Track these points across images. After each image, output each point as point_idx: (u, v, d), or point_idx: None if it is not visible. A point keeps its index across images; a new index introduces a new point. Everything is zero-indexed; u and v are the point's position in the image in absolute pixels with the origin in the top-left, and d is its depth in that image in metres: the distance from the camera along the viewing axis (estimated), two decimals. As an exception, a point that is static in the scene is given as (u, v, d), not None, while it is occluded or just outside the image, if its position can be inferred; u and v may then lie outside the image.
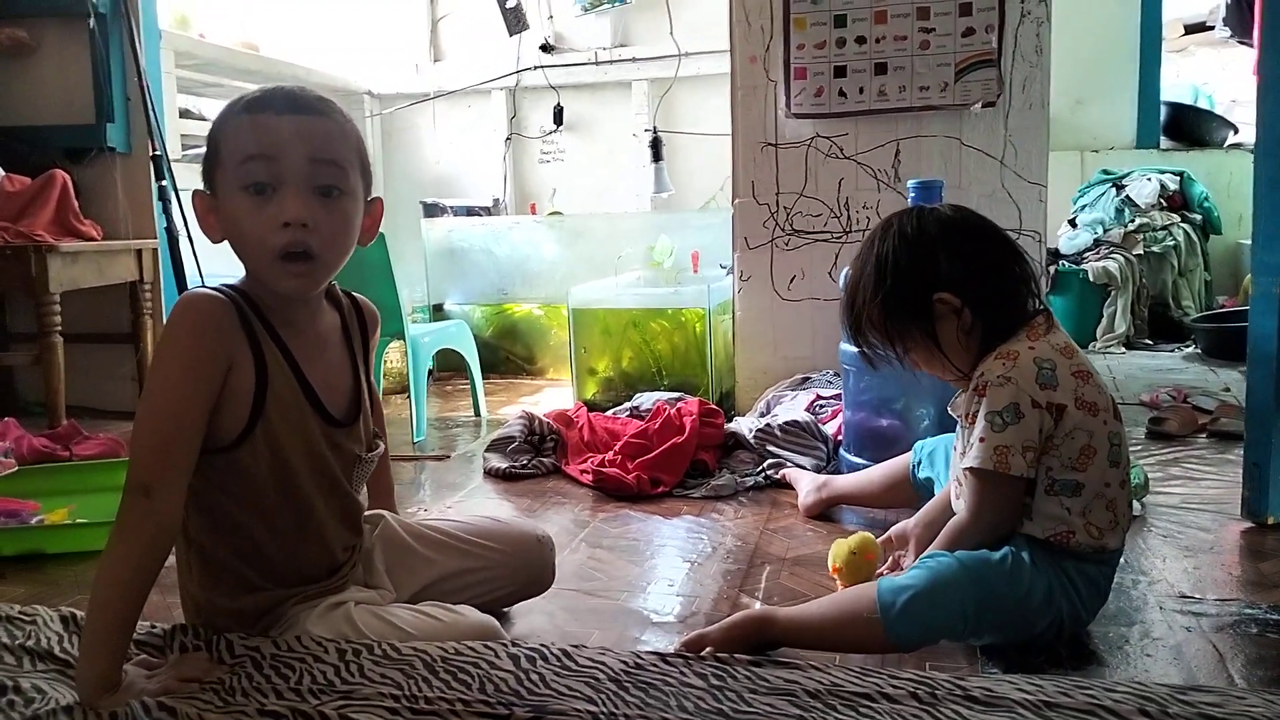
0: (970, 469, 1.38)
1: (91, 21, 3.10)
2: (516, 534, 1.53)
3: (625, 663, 1.16)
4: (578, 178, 4.79)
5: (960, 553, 1.35)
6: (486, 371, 3.68)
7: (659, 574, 1.76)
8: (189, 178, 3.20)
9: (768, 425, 2.44)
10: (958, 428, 1.51)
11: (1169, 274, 4.46)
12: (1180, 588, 1.61)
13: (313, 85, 1.25)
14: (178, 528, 1.18)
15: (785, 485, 2.24)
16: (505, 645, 1.20)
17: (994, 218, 1.54)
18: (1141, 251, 4.40)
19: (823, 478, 2.11)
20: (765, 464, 2.34)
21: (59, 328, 2.85)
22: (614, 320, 3.28)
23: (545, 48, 4.66)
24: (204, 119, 3.93)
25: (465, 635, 1.24)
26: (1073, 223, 4.65)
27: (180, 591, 1.30)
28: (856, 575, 1.61)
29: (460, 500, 2.29)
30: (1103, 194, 4.69)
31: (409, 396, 2.94)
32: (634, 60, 4.56)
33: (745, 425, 2.51)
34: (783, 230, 2.91)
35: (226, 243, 1.23)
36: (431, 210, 4.37)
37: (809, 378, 2.83)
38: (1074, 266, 4.37)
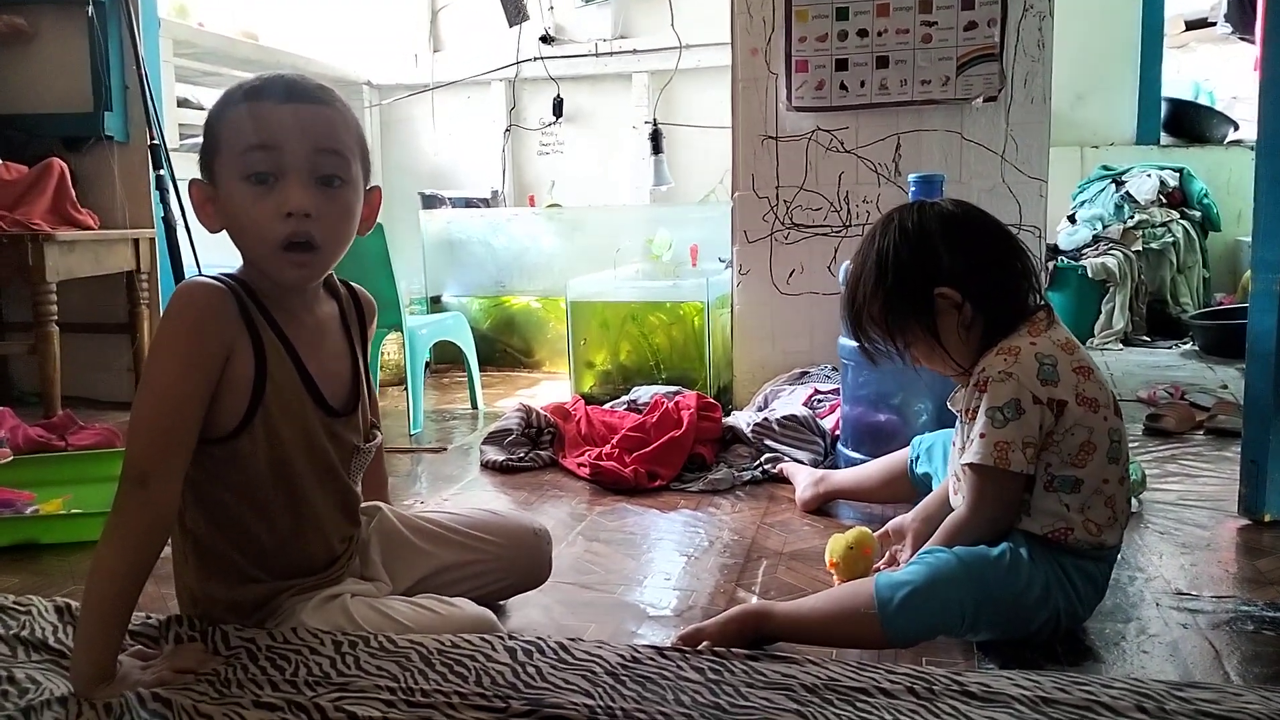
0: (970, 464, 1.38)
1: (90, 9, 3.08)
2: (513, 527, 1.53)
3: (622, 656, 1.16)
4: (577, 170, 4.78)
5: (958, 549, 1.35)
6: (484, 364, 3.68)
7: (656, 568, 1.76)
8: (187, 167, 3.19)
9: (765, 419, 2.44)
10: (957, 423, 1.51)
11: (1167, 270, 4.46)
12: (1177, 584, 1.61)
13: (311, 75, 1.25)
14: (174, 518, 1.17)
15: (783, 480, 2.24)
16: (502, 638, 1.20)
17: (994, 213, 1.53)
18: (1140, 248, 4.40)
19: (820, 472, 2.11)
20: (763, 458, 2.34)
21: (55, 317, 2.84)
22: (612, 313, 3.27)
23: (545, 39, 4.65)
24: (202, 108, 3.91)
25: (462, 628, 1.24)
26: (1072, 218, 4.65)
27: (176, 582, 1.29)
28: (853, 570, 1.61)
29: (457, 493, 2.29)
30: (1102, 190, 4.68)
31: (406, 388, 2.94)
32: (634, 52, 4.55)
33: (743, 419, 2.51)
34: (782, 224, 2.91)
35: (224, 232, 1.22)
36: (430, 202, 4.37)
37: (807, 372, 2.83)
38: (1073, 262, 4.37)
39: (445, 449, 2.69)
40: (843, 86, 2.77)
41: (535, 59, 4.66)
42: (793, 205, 2.89)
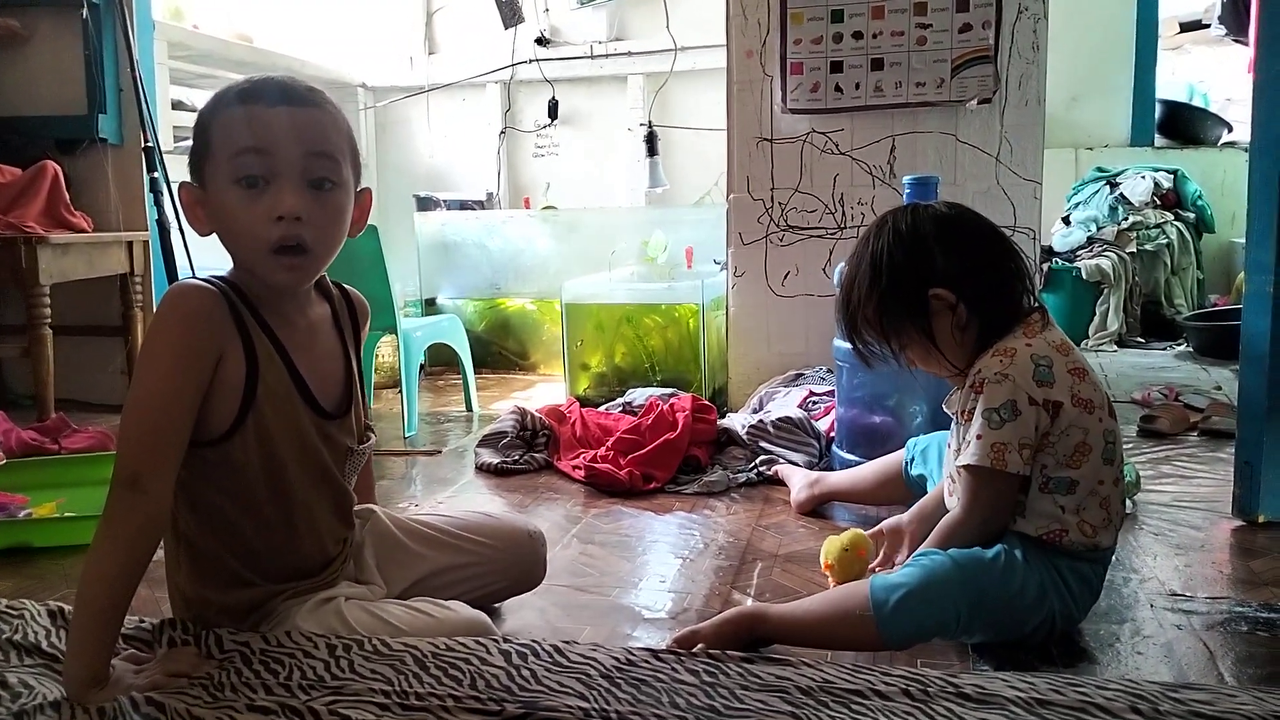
0: (966, 466, 1.38)
1: (84, 12, 3.08)
2: (508, 529, 1.53)
3: (617, 659, 1.15)
4: (572, 172, 4.78)
5: (953, 551, 1.35)
6: (478, 366, 3.68)
7: (651, 570, 1.76)
8: (181, 170, 3.17)
9: (760, 421, 2.44)
10: (953, 425, 1.51)
11: (1162, 272, 4.47)
12: (1171, 585, 1.61)
13: (306, 77, 1.25)
14: (166, 520, 1.17)
15: (778, 482, 2.24)
16: (496, 641, 1.19)
17: (989, 214, 1.53)
18: (1134, 249, 4.41)
19: (815, 474, 2.11)
20: (758, 460, 2.34)
21: (48, 320, 2.83)
22: (607, 315, 3.27)
23: (540, 41, 4.65)
24: (196, 111, 3.90)
25: (456, 631, 1.23)
26: (1066, 220, 4.66)
27: (168, 586, 1.28)
28: (848, 572, 1.61)
29: (451, 495, 2.28)
30: (1097, 192, 4.69)
31: (400, 391, 2.93)
32: (629, 54, 4.55)
33: (738, 421, 2.51)
34: (777, 226, 2.91)
35: (214, 235, 1.22)
36: (425, 204, 4.36)
37: (802, 374, 2.83)
38: (1067, 264, 4.38)
39: (440, 452, 2.69)
40: (838, 89, 2.78)
41: (530, 61, 4.66)
42: (788, 207, 2.89)
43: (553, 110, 4.69)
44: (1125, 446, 1.51)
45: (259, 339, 1.20)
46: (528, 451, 2.52)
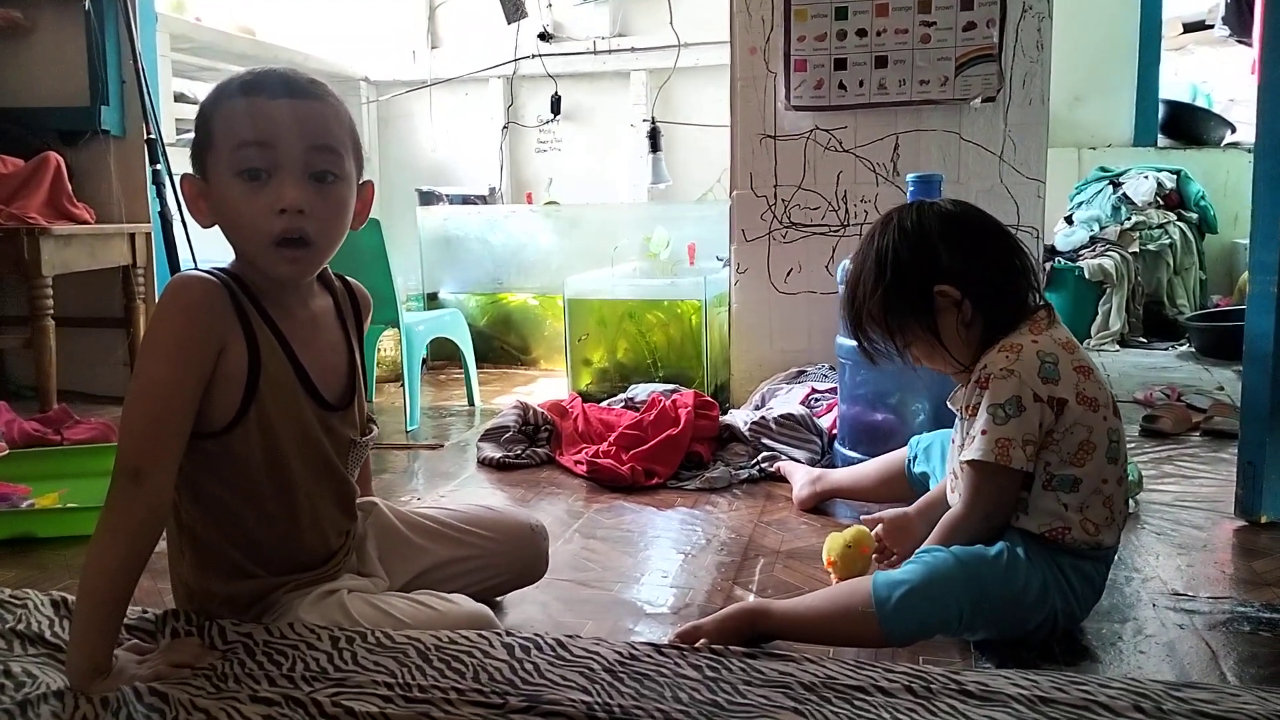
0: (970, 461, 1.38)
1: (87, 3, 3.08)
2: (510, 522, 1.53)
3: (620, 653, 1.15)
4: (574, 167, 4.78)
5: (956, 548, 1.35)
6: (481, 361, 3.68)
7: (653, 565, 1.76)
8: (184, 162, 3.17)
9: (763, 418, 2.44)
10: (956, 421, 1.51)
11: (1164, 272, 4.47)
12: (1173, 585, 1.62)
13: (309, 71, 1.24)
14: (168, 511, 1.17)
15: (780, 478, 2.24)
16: (499, 634, 1.19)
17: (992, 213, 1.53)
18: (1137, 249, 4.41)
19: (817, 471, 2.11)
20: (760, 457, 2.34)
21: (51, 311, 2.83)
22: (609, 311, 3.27)
23: (543, 36, 4.65)
24: (199, 103, 3.90)
25: (459, 624, 1.23)
26: (1069, 220, 4.66)
27: (171, 577, 1.29)
28: (851, 568, 1.61)
29: (453, 490, 2.28)
30: (1100, 191, 4.69)
31: (403, 385, 2.93)
32: (633, 50, 4.55)
33: (740, 418, 2.51)
34: (780, 223, 2.90)
35: (216, 227, 1.21)
36: (427, 198, 4.36)
37: (804, 371, 2.83)
38: (1070, 263, 4.38)
39: (442, 446, 2.69)
40: (841, 86, 2.77)
41: (533, 56, 4.66)
42: (791, 204, 2.89)
43: (555, 105, 4.68)
44: (1128, 446, 1.50)
45: (261, 331, 1.20)
46: (530, 446, 2.51)
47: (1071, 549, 1.37)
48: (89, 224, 3.03)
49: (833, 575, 1.64)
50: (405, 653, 1.14)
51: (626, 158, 4.65)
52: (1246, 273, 1.96)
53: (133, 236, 3.17)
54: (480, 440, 2.56)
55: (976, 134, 2.73)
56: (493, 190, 4.71)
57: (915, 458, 1.83)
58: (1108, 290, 4.31)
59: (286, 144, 1.15)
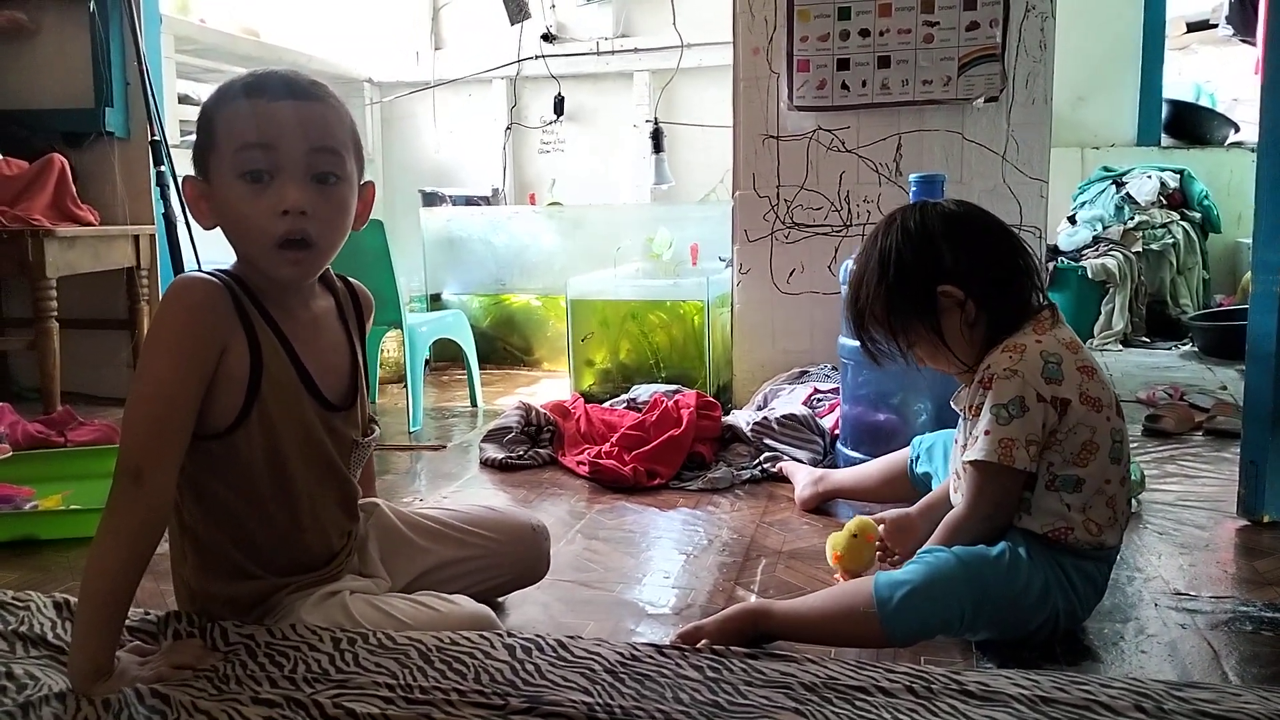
0: (973, 461, 1.37)
1: (91, 5, 3.08)
2: (511, 523, 1.53)
3: (621, 654, 1.15)
4: (577, 168, 4.78)
5: (958, 548, 1.35)
6: (483, 362, 3.67)
7: (655, 566, 1.76)
8: (188, 163, 3.18)
9: (765, 418, 2.44)
10: (960, 421, 1.51)
11: (1167, 272, 4.46)
12: (1175, 585, 1.61)
13: (312, 72, 1.25)
14: (169, 513, 1.17)
15: (782, 479, 2.24)
16: (501, 635, 1.19)
17: (995, 213, 1.53)
18: (1140, 249, 4.40)
19: (819, 471, 2.11)
20: (762, 457, 2.34)
21: (55, 313, 2.84)
22: (612, 312, 3.27)
23: (546, 37, 4.65)
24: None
25: (461, 625, 1.23)
26: (1072, 219, 4.65)
27: (173, 578, 1.29)
28: (858, 559, 1.61)
29: (456, 490, 2.29)
30: (1103, 191, 4.69)
31: (405, 386, 2.93)
32: (636, 51, 4.55)
33: (742, 418, 2.51)
34: (783, 223, 2.90)
35: (219, 229, 1.22)
36: (430, 199, 4.37)
37: (807, 371, 2.83)
38: (1073, 263, 4.37)
39: (444, 447, 2.69)
40: (844, 86, 2.77)
41: (536, 57, 4.66)
42: (793, 204, 2.89)
43: (558, 106, 4.69)
44: (1130, 446, 1.50)
45: (263, 332, 1.20)
46: (532, 447, 2.52)
47: (1074, 549, 1.37)
48: (93, 226, 3.04)
49: (838, 571, 1.64)
50: (407, 654, 1.14)
51: (629, 158, 4.65)
52: (1249, 272, 1.96)
53: (137, 238, 3.18)
54: (483, 441, 2.56)
55: (979, 134, 2.72)
56: (496, 191, 4.71)
57: (918, 458, 1.83)
58: (1111, 290, 4.30)
59: (288, 146, 1.15)
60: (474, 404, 3.26)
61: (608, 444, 2.40)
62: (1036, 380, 1.36)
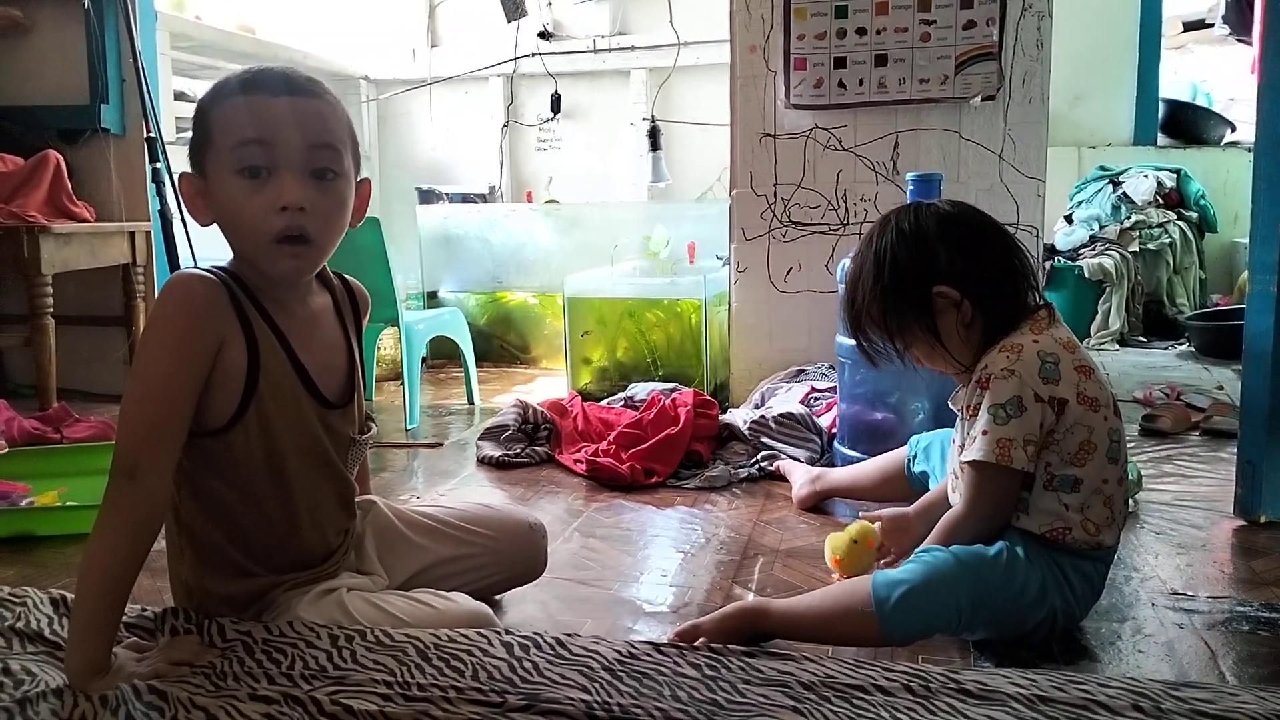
0: (971, 461, 1.38)
1: (87, 2, 3.07)
2: (508, 520, 1.53)
3: (619, 652, 1.15)
4: (574, 166, 4.77)
5: (955, 548, 1.35)
6: (480, 360, 3.67)
7: (652, 564, 1.76)
8: (183, 160, 3.17)
9: (762, 417, 2.44)
10: (957, 421, 1.51)
11: (1164, 271, 4.47)
12: (1172, 584, 1.62)
13: (309, 69, 1.24)
14: (165, 509, 1.17)
15: (779, 477, 2.24)
16: (498, 633, 1.19)
17: (991, 212, 1.53)
18: (1137, 248, 4.41)
19: (817, 470, 2.11)
20: (759, 456, 2.34)
21: (51, 309, 2.83)
22: (609, 310, 3.27)
23: (543, 35, 4.64)
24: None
25: (458, 622, 1.23)
26: (1069, 219, 4.66)
27: (170, 576, 1.28)
28: (856, 565, 1.61)
29: (453, 488, 2.28)
30: (1099, 190, 4.69)
31: (402, 384, 2.93)
32: (633, 49, 4.55)
33: (740, 417, 2.51)
34: (780, 222, 2.90)
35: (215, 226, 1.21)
36: (427, 197, 4.36)
37: (804, 370, 2.83)
38: (1069, 263, 4.38)
39: (441, 444, 2.69)
40: (841, 84, 2.77)
41: (533, 55, 4.65)
42: (790, 203, 2.89)
43: (555, 104, 4.68)
44: (1127, 445, 1.50)
45: (260, 329, 1.20)
46: (529, 445, 2.51)
47: (1072, 549, 1.37)
48: (89, 222, 3.03)
49: (836, 573, 1.64)
50: (404, 651, 1.14)
51: (626, 156, 4.65)
52: (1246, 272, 1.96)
53: (132, 235, 3.17)
54: (480, 439, 2.56)
55: (976, 133, 2.72)
56: (492, 189, 4.71)
57: (915, 457, 1.83)
58: (1107, 289, 4.31)
59: (286, 142, 1.15)
60: (471, 402, 3.26)
61: (605, 442, 2.40)
62: (1034, 380, 1.36)
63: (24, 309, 2.87)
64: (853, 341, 1.56)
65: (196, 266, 1.21)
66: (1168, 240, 4.45)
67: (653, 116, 4.48)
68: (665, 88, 4.51)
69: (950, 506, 1.46)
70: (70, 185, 3.00)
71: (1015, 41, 2.66)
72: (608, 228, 3.97)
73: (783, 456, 2.31)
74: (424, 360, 3.67)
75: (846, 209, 2.85)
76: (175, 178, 3.03)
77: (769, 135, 2.88)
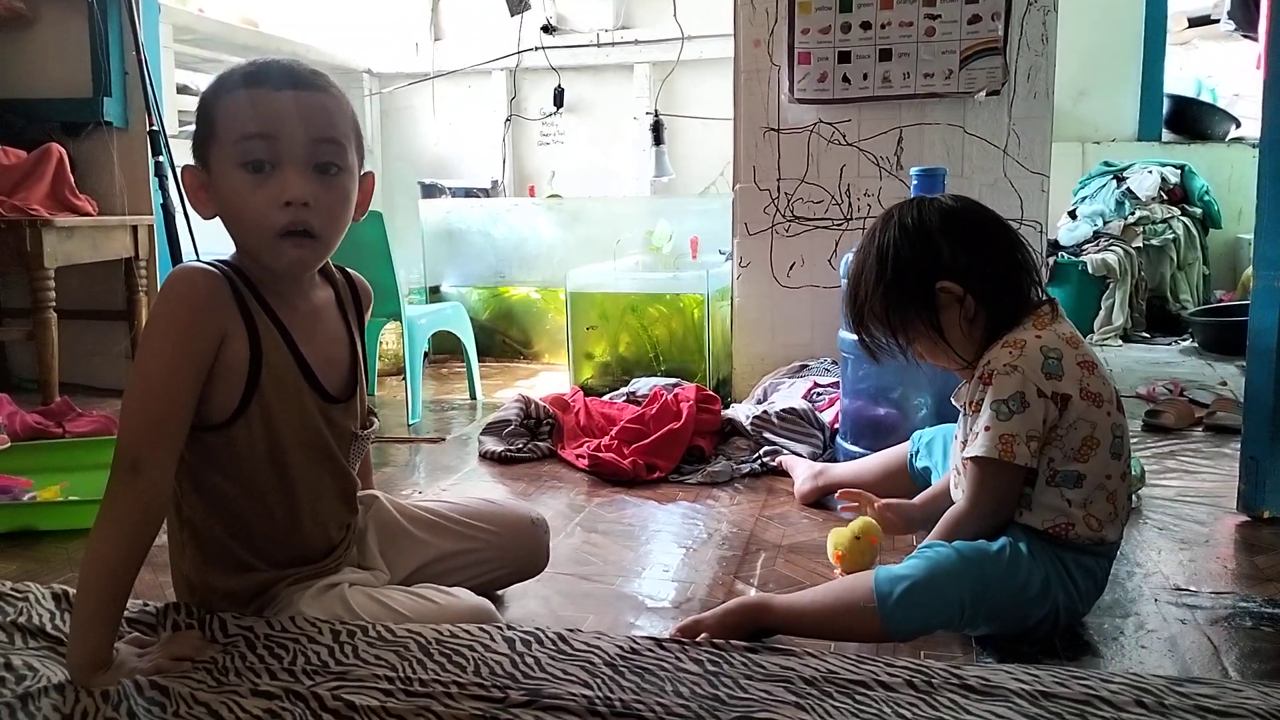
0: (974, 457, 1.37)
1: (89, -6, 3.07)
2: (510, 515, 1.53)
3: (621, 647, 1.15)
4: (577, 160, 4.77)
5: (958, 543, 1.35)
6: (483, 354, 3.67)
7: (654, 559, 1.76)
8: (186, 153, 3.17)
9: (765, 412, 2.43)
10: (960, 416, 1.50)
11: (1168, 267, 4.46)
12: (1175, 580, 1.61)
13: (311, 63, 1.23)
14: (167, 504, 1.16)
15: (781, 472, 2.24)
16: (500, 628, 1.19)
17: (996, 207, 1.53)
18: (1141, 244, 4.40)
19: (819, 465, 2.11)
20: (762, 451, 2.34)
21: (53, 303, 2.83)
22: (612, 305, 3.27)
23: (546, 28, 4.64)
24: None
25: (460, 617, 1.23)
26: (1073, 214, 4.65)
27: (172, 571, 1.28)
28: (859, 561, 1.61)
29: (455, 483, 2.28)
30: (1103, 186, 4.68)
31: (404, 379, 2.93)
32: (636, 42, 4.54)
33: (742, 412, 2.50)
34: (783, 216, 2.90)
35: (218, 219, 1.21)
36: (429, 191, 4.35)
37: (807, 365, 2.83)
38: (1073, 258, 4.37)
39: (444, 439, 2.69)
40: (845, 79, 2.76)
41: (536, 49, 4.65)
42: (794, 198, 2.88)
43: (558, 98, 4.68)
44: (1130, 441, 1.50)
45: (263, 322, 1.20)
46: (531, 440, 2.51)
47: (1075, 545, 1.37)
48: (91, 216, 3.03)
49: (838, 569, 1.64)
50: (406, 646, 1.14)
51: (629, 151, 4.64)
52: (1250, 268, 1.96)
53: (135, 228, 3.16)
54: (482, 434, 2.56)
55: (980, 128, 2.72)
56: (495, 183, 4.70)
57: (917, 452, 1.83)
58: (1111, 285, 4.30)
59: (290, 136, 1.14)
60: (473, 396, 3.26)
61: (607, 437, 2.40)
62: (1037, 376, 1.35)
63: (26, 303, 2.87)
64: (855, 337, 1.56)
65: (199, 260, 1.21)
66: (1171, 236, 4.44)
67: (656, 111, 4.47)
68: (669, 82, 4.50)
69: (953, 502, 1.46)
70: (73, 178, 3.00)
71: (1020, 36, 2.65)
72: (610, 222, 3.97)
73: (785, 452, 2.31)
74: (426, 355, 3.67)
75: (850, 204, 2.84)
76: (178, 171, 3.03)
77: (773, 130, 2.87)
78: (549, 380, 3.59)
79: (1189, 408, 2.73)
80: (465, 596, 1.30)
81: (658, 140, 4.43)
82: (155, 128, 3.07)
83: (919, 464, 1.82)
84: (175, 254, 3.02)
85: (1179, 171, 4.63)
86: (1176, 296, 4.47)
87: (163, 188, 3.04)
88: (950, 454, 1.64)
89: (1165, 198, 4.56)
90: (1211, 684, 1.09)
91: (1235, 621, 1.45)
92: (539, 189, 4.67)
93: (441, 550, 1.43)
